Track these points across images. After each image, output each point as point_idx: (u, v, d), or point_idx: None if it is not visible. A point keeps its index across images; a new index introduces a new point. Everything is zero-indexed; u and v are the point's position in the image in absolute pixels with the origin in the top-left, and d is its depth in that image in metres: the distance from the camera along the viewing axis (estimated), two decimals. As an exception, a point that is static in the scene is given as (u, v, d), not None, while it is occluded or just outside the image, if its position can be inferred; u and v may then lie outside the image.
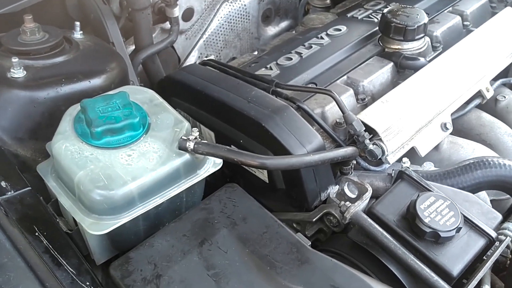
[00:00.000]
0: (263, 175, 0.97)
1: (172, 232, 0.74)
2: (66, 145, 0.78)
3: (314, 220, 0.89)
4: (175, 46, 1.52)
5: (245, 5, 1.69)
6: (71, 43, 0.99)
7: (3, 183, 0.78)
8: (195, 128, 0.84)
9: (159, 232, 0.75)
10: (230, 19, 1.67)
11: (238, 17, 1.70)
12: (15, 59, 0.86)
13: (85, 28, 1.14)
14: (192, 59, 1.63)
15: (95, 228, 0.73)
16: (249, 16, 1.73)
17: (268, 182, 0.96)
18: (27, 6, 1.07)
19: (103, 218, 0.75)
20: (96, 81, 0.93)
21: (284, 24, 1.91)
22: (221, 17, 1.64)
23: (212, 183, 0.94)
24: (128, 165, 0.77)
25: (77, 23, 1.05)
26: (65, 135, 0.80)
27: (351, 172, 0.96)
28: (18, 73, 0.87)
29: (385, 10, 1.17)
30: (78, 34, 1.05)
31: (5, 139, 0.87)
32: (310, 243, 0.74)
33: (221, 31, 1.67)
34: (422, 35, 1.15)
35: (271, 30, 1.87)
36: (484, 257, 0.80)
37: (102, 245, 0.80)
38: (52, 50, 0.94)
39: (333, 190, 0.92)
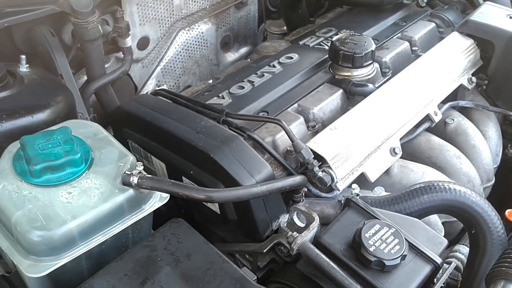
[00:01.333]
0: (214, 207, 0.96)
1: (113, 272, 0.72)
2: (3, 184, 0.76)
3: (265, 251, 0.88)
4: (131, 74, 1.51)
5: (202, 32, 1.70)
6: (15, 77, 0.97)
7: None
8: (139, 162, 0.83)
9: (100, 272, 0.73)
10: (188, 46, 1.68)
11: (196, 44, 1.70)
12: (-48, 96, 0.84)
13: (34, 61, 1.12)
14: (150, 87, 1.62)
15: (33, 270, 0.71)
16: (207, 43, 1.74)
17: (220, 213, 0.95)
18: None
19: (42, 259, 0.72)
20: (40, 116, 0.91)
21: (243, 50, 1.92)
22: (178, 45, 1.64)
23: (167, 214, 0.92)
24: (68, 203, 0.75)
25: (23, 57, 1.03)
26: (3, 174, 0.78)
27: (303, 200, 0.96)
28: (-44, 109, 0.84)
29: (334, 38, 1.19)
30: (24, 68, 1.03)
31: None
32: (256, 277, 0.73)
33: (179, 58, 1.67)
34: (370, 61, 1.17)
35: (231, 56, 1.89)
36: (433, 283, 0.81)
37: (43, 287, 0.77)
38: (-6, 85, 0.92)
39: (283, 219, 0.91)
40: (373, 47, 1.16)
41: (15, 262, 0.73)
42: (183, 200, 1.03)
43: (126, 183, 0.80)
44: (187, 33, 1.65)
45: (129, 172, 0.81)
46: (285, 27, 1.77)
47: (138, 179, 0.80)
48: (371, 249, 0.75)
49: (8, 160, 0.80)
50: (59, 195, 0.76)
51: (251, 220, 0.90)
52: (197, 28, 1.68)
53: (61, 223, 0.72)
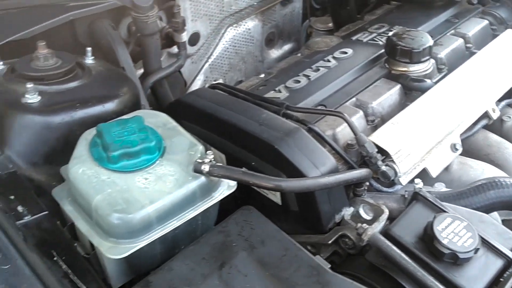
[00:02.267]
0: (276, 198, 0.97)
1: (191, 256, 0.73)
2: (83, 169, 0.78)
3: (329, 242, 0.88)
4: (181, 70, 1.54)
5: (249, 29, 1.71)
6: (83, 68, 1.00)
7: (20, 208, 0.77)
8: (209, 151, 0.85)
9: (178, 255, 0.75)
10: (235, 42, 1.70)
11: (243, 41, 1.72)
12: (29, 85, 0.87)
13: (95, 54, 1.15)
14: (198, 83, 1.64)
15: (114, 252, 0.73)
16: (253, 40, 1.76)
17: (281, 204, 0.96)
18: (38, 32, 1.09)
19: (121, 242, 0.74)
20: (110, 106, 0.94)
21: (287, 47, 1.94)
22: (226, 41, 1.66)
23: (221, 207, 0.94)
24: (145, 189, 0.77)
25: (89, 49, 1.06)
26: (81, 160, 0.80)
27: (365, 194, 0.96)
28: (32, 98, 0.88)
29: (391, 34, 1.19)
30: (89, 60, 1.06)
31: (20, 164, 0.87)
32: (330, 266, 0.73)
33: (226, 54, 1.69)
34: (427, 57, 1.17)
35: (275, 53, 1.90)
36: (501, 279, 0.80)
37: (119, 269, 0.80)
38: (65, 75, 0.95)
39: (347, 212, 0.92)
40: (431, 42, 1.16)
41: (95, 244, 0.75)
42: (240, 191, 1.05)
43: (198, 171, 0.82)
44: (234, 29, 1.67)
45: (200, 160, 0.82)
46: (330, 24, 1.78)
47: (209, 167, 0.81)
48: (445, 241, 0.75)
49: (85, 146, 0.83)
50: (136, 181, 0.78)
51: (315, 211, 0.91)
52: (244, 25, 1.70)
53: (140, 207, 0.74)
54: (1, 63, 0.99)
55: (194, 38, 1.52)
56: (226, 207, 0.95)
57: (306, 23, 1.95)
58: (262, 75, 1.35)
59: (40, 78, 0.92)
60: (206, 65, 1.65)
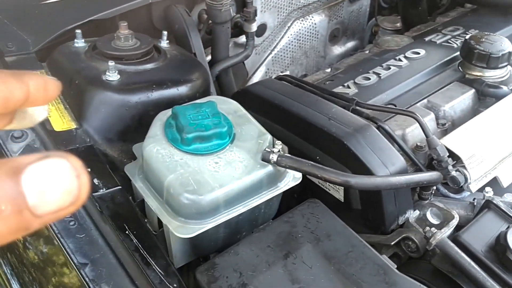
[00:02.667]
0: (338, 194, 0.96)
1: (257, 242, 0.74)
2: (157, 148, 0.81)
3: (392, 244, 0.87)
4: (244, 61, 1.55)
5: (315, 23, 1.70)
6: (159, 51, 1.03)
7: (95, 181, 0.81)
8: (278, 141, 0.85)
9: (243, 240, 0.76)
10: (300, 36, 1.69)
11: (307, 35, 1.71)
12: (111, 63, 0.90)
13: (168, 38, 1.18)
14: (259, 74, 1.65)
15: (182, 231, 0.75)
16: (317, 35, 1.75)
17: (343, 201, 0.96)
18: (118, 14, 1.13)
19: (189, 222, 0.76)
20: (183, 90, 0.96)
21: (350, 44, 1.91)
22: (291, 34, 1.66)
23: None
24: (215, 172, 0.79)
25: (165, 33, 1.09)
26: (156, 139, 0.82)
27: (431, 198, 0.94)
28: (113, 76, 0.91)
29: (468, 36, 1.15)
30: (164, 43, 1.08)
31: (96, 139, 0.91)
32: (396, 266, 0.72)
33: (289, 48, 1.69)
34: (505, 63, 1.12)
35: (337, 49, 1.88)
36: None
37: (183, 249, 0.82)
38: (143, 56, 0.98)
39: (412, 214, 0.90)
40: (510, 48, 1.11)
41: (165, 222, 0.77)
42: (299, 184, 1.05)
43: (266, 160, 0.82)
44: (301, 23, 1.67)
45: (269, 150, 0.83)
46: (398, 24, 1.74)
47: (277, 157, 0.82)
48: (519, 253, 0.72)
49: (159, 127, 0.85)
50: (207, 164, 0.79)
51: (379, 211, 0.89)
52: (310, 19, 1.69)
53: (210, 190, 0.76)
54: (83, 40, 1.03)
55: (261, 29, 1.53)
56: (284, 198, 0.95)
57: (372, 21, 1.92)
58: (328, 70, 1.33)
59: (119, 57, 0.95)
60: (269, 57, 1.65)
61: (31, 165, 0.28)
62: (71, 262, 0.67)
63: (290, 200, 0.96)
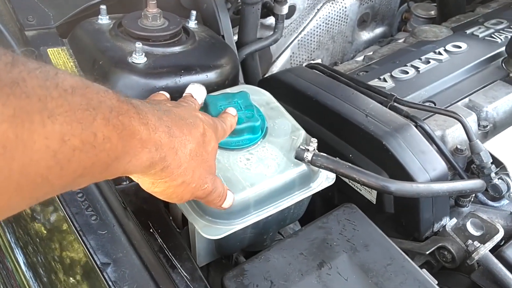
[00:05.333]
0: (371, 195, 0.91)
1: (289, 249, 0.69)
2: (185, 141, 0.75)
3: (427, 252, 0.82)
4: (271, 44, 1.48)
5: (345, 7, 1.62)
6: (188, 33, 0.96)
7: (118, 172, 0.76)
8: (314, 139, 0.80)
9: (275, 246, 0.71)
10: (328, 20, 1.62)
11: (336, 19, 1.64)
12: (139, 44, 0.84)
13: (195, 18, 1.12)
14: (284, 58, 1.59)
15: (209, 231, 0.70)
16: (347, 19, 1.67)
17: (376, 203, 0.90)
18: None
19: (217, 222, 0.71)
20: (212, 76, 0.90)
21: (378, 30, 1.83)
22: (320, 17, 1.59)
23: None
24: (246, 170, 0.73)
25: (194, 12, 1.02)
26: (183, 130, 0.77)
27: (468, 206, 0.88)
28: (139, 59, 0.85)
29: (515, 32, 1.08)
30: (193, 23, 1.02)
31: (120, 125, 0.85)
32: (437, 282, 0.67)
33: (317, 31, 1.62)
34: (555, 63, 1.05)
35: (365, 35, 1.81)
36: None
37: (208, 248, 0.77)
38: (171, 38, 0.92)
39: (449, 222, 0.85)
40: (561, 47, 1.04)
41: (191, 221, 0.72)
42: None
43: (300, 158, 0.77)
44: (331, 6, 1.59)
45: (303, 147, 0.77)
46: (432, 12, 1.66)
47: (312, 156, 0.76)
48: None
49: (187, 116, 0.79)
50: (238, 160, 0.74)
51: (414, 217, 0.84)
52: (341, 2, 1.61)
53: (241, 189, 0.71)
54: (107, 17, 0.97)
55: (290, 11, 1.46)
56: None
57: (403, 7, 1.83)
58: (360, 59, 1.27)
59: (147, 38, 0.89)
60: (295, 41, 1.59)
61: None
62: (93, 261, 0.62)
63: (315, 196, 0.91)
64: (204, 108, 0.78)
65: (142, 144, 0.45)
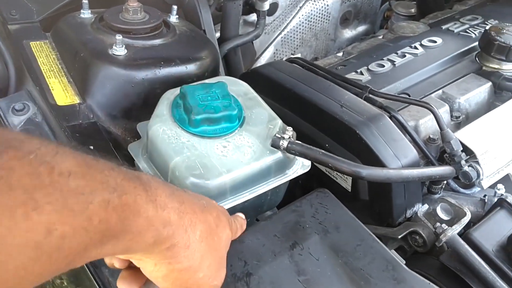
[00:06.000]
0: (346, 183, 0.94)
1: (263, 231, 0.72)
2: (163, 128, 0.78)
3: (399, 237, 0.85)
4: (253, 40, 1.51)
5: (327, 5, 1.66)
6: (168, 26, 0.99)
7: (98, 159, 0.78)
8: (289, 127, 0.82)
9: (250, 229, 0.73)
10: (311, 17, 1.65)
11: (319, 17, 1.67)
12: (119, 37, 0.87)
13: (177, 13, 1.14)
14: (267, 55, 1.61)
15: (186, 216, 0.72)
16: (329, 17, 1.70)
17: (351, 191, 0.93)
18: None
19: (194, 206, 0.74)
20: (192, 68, 0.93)
21: (361, 28, 1.87)
22: (302, 15, 1.62)
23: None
24: (223, 156, 0.76)
25: (175, 7, 1.05)
26: (162, 119, 0.79)
27: (441, 192, 0.92)
28: (120, 51, 0.87)
29: (488, 27, 1.11)
30: (174, 18, 1.05)
31: (99, 115, 0.88)
32: (405, 262, 0.70)
33: (299, 29, 1.65)
34: (526, 57, 1.08)
35: (348, 33, 1.84)
36: None
37: (186, 233, 0.80)
38: (152, 31, 0.94)
39: (421, 208, 0.88)
40: (532, 41, 1.07)
41: (169, 205, 0.75)
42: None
43: (276, 146, 0.79)
44: (313, 4, 1.62)
45: (279, 135, 0.80)
46: (413, 10, 1.69)
47: (288, 143, 0.79)
48: (531, 255, 0.70)
49: (166, 106, 0.82)
50: (214, 147, 0.77)
51: (387, 203, 0.87)
52: (323, 0, 1.64)
53: (217, 175, 0.73)
54: (89, 11, 0.99)
55: (272, 8, 1.48)
56: (289, 184, 0.93)
57: (385, 5, 1.87)
58: (340, 54, 1.30)
59: (127, 31, 0.91)
60: (279, 38, 1.61)
61: None
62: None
63: (294, 186, 0.94)
64: (183, 97, 0.80)
65: (148, 222, 0.42)
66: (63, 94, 0.88)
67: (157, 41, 0.94)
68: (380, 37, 1.36)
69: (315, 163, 0.96)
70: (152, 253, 0.46)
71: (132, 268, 0.52)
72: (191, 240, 0.48)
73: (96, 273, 0.65)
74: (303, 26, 1.65)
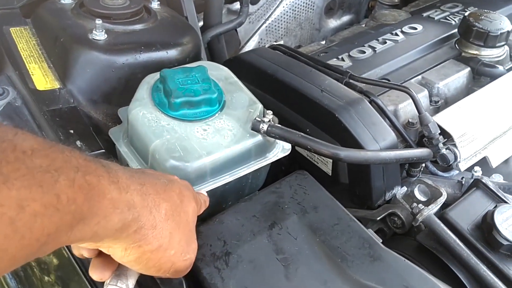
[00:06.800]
0: (326, 167, 0.95)
1: (242, 211, 0.73)
2: (143, 112, 0.78)
3: (378, 219, 0.86)
4: (237, 29, 1.51)
5: (312, -6, 1.66)
6: (149, 12, 0.99)
7: (78, 143, 0.78)
8: (269, 111, 0.83)
9: (229, 209, 0.74)
10: (295, 7, 1.65)
11: (303, 6, 1.67)
12: (98, 21, 0.87)
13: None
14: (252, 44, 1.62)
15: (166, 198, 0.73)
16: (313, 6, 1.71)
17: (331, 174, 0.94)
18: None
19: (174, 189, 0.74)
20: (173, 53, 0.93)
21: (346, 18, 1.87)
22: (286, 4, 1.62)
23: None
24: (203, 140, 0.76)
25: (156, -7, 1.05)
26: (142, 103, 0.80)
27: (419, 175, 0.93)
28: (100, 35, 0.87)
29: (467, 13, 1.13)
30: (155, 4, 1.05)
31: (80, 100, 0.88)
32: (382, 240, 0.72)
33: (284, 18, 1.65)
34: (503, 43, 1.10)
35: (332, 23, 1.84)
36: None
37: (167, 216, 0.80)
38: (132, 16, 0.94)
39: (400, 191, 0.89)
40: (509, 27, 1.09)
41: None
42: (287, 156, 1.03)
43: (256, 129, 0.80)
44: (297, -8, 1.63)
45: (259, 119, 0.81)
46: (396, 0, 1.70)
47: (268, 127, 0.80)
48: (504, 232, 0.71)
49: (146, 90, 0.82)
50: (194, 131, 0.77)
51: (366, 186, 0.88)
52: (307, -11, 1.65)
53: (197, 157, 0.74)
54: (70, -3, 0.99)
55: (256, -3, 1.49)
56: (272, 170, 0.94)
57: (369, -5, 1.88)
58: (323, 42, 1.30)
59: (108, 16, 0.91)
60: (263, 27, 1.61)
61: None
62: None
63: (277, 172, 0.95)
64: (162, 81, 0.81)
65: (113, 204, 0.43)
66: (43, 79, 0.87)
67: (138, 26, 0.94)
68: (363, 25, 1.37)
69: (296, 148, 0.98)
70: (120, 238, 0.45)
71: (102, 255, 0.52)
72: (157, 220, 0.48)
73: (86, 270, 0.65)
74: (287, 15, 1.65)
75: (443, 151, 0.89)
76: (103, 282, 0.54)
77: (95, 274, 0.52)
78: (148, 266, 0.50)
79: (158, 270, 0.51)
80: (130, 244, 0.47)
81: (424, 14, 1.28)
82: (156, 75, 0.83)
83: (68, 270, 0.70)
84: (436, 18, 1.25)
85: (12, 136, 0.35)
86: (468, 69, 1.08)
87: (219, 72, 0.90)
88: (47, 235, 0.36)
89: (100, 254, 0.52)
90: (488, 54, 1.10)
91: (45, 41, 0.94)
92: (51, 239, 0.36)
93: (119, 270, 0.55)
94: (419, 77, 1.05)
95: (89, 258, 0.53)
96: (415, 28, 1.19)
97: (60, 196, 0.36)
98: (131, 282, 0.55)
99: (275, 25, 1.64)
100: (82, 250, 0.52)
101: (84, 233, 0.41)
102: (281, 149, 0.86)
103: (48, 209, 0.35)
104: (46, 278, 0.81)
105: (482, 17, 1.10)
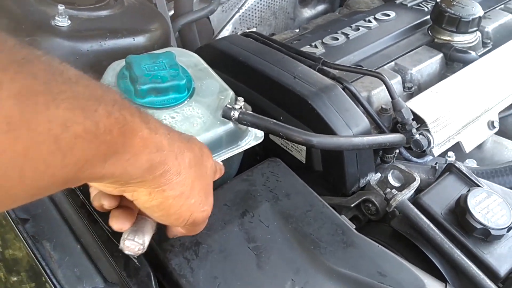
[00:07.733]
0: (300, 155, 0.94)
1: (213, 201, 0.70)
2: (108, 100, 0.75)
3: (352, 205, 0.85)
4: (210, 18, 1.48)
5: (285, -17, 1.64)
6: (115, -2, 0.96)
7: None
8: (240, 98, 0.81)
9: (199, 199, 0.72)
10: (269, -4, 1.63)
11: (277, -5, 1.65)
12: (61, 7, 0.83)
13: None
14: (225, 33, 1.59)
15: (133, 188, 0.70)
16: (288, -5, 1.69)
17: (305, 162, 0.93)
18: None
19: (142, 178, 0.72)
20: (140, 40, 0.90)
21: (320, 7, 1.86)
22: (260, -7, 1.60)
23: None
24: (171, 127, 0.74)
25: (123, -21, 1.01)
26: (107, 90, 0.77)
27: (393, 161, 0.92)
28: (62, 21, 0.84)
29: (439, 0, 1.12)
30: (122, -9, 1.01)
31: (43, 89, 0.84)
32: (355, 226, 0.70)
33: (258, 7, 1.63)
34: (475, 28, 1.10)
35: (307, 12, 1.83)
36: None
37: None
38: (97, 2, 0.91)
39: (373, 177, 0.88)
40: (481, 13, 1.09)
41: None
42: (261, 146, 1.02)
43: (227, 116, 0.78)
44: (271, -19, 1.60)
45: (230, 106, 0.79)
46: (370, -12, 1.70)
47: (239, 114, 0.78)
48: (477, 216, 0.71)
49: (112, 77, 0.79)
50: (162, 119, 0.75)
51: (340, 173, 0.87)
52: (281, -22, 1.63)
53: (164, 145, 0.71)
54: (32, -17, 0.94)
55: (229, -15, 1.46)
56: (246, 160, 0.92)
57: (344, -16, 1.87)
58: (297, 30, 1.29)
59: (71, 2, 0.88)
60: (237, 16, 1.59)
61: None
62: (9, 218, 0.62)
63: (252, 162, 0.93)
64: (128, 67, 0.78)
65: (144, 143, 0.44)
66: (3, 67, 0.83)
67: (103, 13, 0.90)
68: (337, 13, 1.36)
69: (270, 137, 0.96)
70: (146, 181, 0.46)
71: (122, 207, 0.53)
72: (182, 167, 0.49)
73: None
74: (261, 4, 1.63)
75: (417, 136, 0.89)
76: None
77: (116, 224, 0.52)
78: (170, 212, 0.51)
79: (177, 218, 0.52)
80: (154, 188, 0.48)
81: (397, 1, 1.27)
82: (122, 62, 0.80)
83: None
84: (409, 5, 1.25)
85: (59, 64, 0.37)
86: (441, 55, 1.08)
87: (189, 59, 0.87)
88: (85, 160, 0.37)
89: (119, 206, 0.53)
90: (460, 40, 1.10)
91: (6, 28, 0.90)
92: (88, 166, 0.38)
93: (136, 226, 0.54)
94: (392, 63, 1.05)
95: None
96: (388, 15, 1.18)
97: (98, 124, 0.38)
98: (147, 238, 0.54)
99: (249, 14, 1.62)
100: (103, 199, 0.51)
101: (115, 168, 0.42)
102: (253, 137, 0.84)
103: (88, 134, 0.37)
104: (14, 278, 0.79)
105: (454, 3, 1.10)
